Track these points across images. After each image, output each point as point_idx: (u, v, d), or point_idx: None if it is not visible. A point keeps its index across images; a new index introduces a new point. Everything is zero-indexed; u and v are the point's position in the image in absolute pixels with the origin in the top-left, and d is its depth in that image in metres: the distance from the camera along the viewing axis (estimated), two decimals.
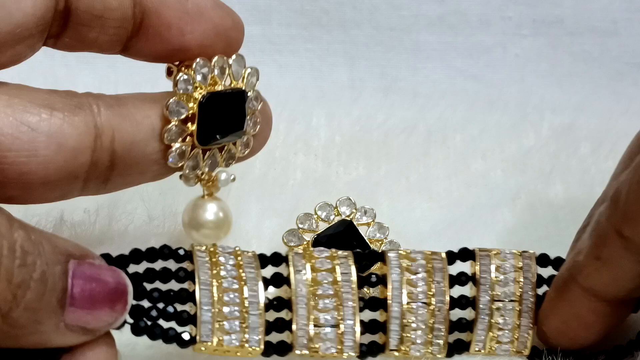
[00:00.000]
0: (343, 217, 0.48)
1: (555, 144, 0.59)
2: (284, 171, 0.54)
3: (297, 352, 0.39)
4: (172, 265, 0.39)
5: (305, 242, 0.48)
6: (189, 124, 0.41)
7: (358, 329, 0.40)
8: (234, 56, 0.42)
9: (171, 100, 0.40)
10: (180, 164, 0.42)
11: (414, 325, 0.41)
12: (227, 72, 0.42)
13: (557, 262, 0.43)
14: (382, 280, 0.41)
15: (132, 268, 0.39)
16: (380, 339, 0.41)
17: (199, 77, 0.41)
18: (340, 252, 0.40)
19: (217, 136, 0.42)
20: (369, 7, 0.61)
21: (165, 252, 0.39)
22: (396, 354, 0.41)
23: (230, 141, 0.43)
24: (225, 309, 0.39)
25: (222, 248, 0.39)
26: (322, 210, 0.48)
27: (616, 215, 0.39)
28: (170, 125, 0.40)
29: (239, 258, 0.39)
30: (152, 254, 0.39)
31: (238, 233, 0.50)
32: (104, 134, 0.39)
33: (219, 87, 0.42)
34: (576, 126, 0.60)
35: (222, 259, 0.39)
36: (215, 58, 0.41)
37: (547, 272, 0.43)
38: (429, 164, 0.57)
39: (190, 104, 0.41)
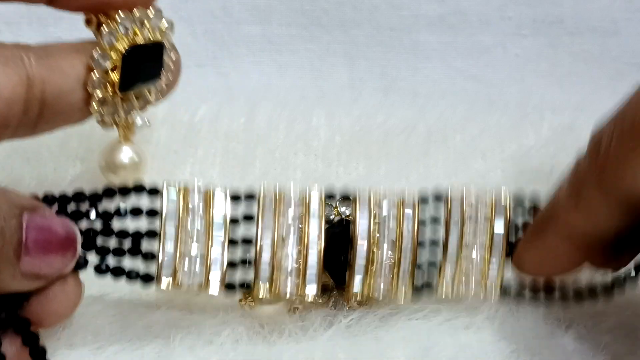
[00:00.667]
0: (343, 217, 0.48)
1: (555, 144, 0.59)
2: (284, 171, 0.55)
3: (261, 286, 0.43)
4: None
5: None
6: (111, 74, 0.43)
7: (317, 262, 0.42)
8: (152, 10, 0.45)
9: (96, 53, 0.42)
10: (99, 110, 0.43)
11: (378, 266, 0.41)
12: (146, 25, 0.44)
13: (533, 207, 0.45)
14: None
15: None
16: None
17: (122, 30, 0.43)
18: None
19: (137, 85, 0.44)
20: (369, 7, 0.61)
21: (136, 189, 0.43)
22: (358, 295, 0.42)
23: (147, 88, 0.45)
24: (188, 248, 0.42)
25: (194, 188, 0.43)
26: None
27: (596, 161, 0.41)
28: (94, 76, 0.42)
29: (209, 198, 0.43)
30: (123, 191, 0.43)
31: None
32: (35, 85, 0.40)
33: (139, 39, 0.44)
34: (576, 126, 0.60)
35: (191, 198, 0.43)
36: (137, 11, 0.44)
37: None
38: (429, 164, 0.57)
39: (114, 56, 0.43)
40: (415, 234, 0.43)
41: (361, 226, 0.44)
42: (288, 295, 0.43)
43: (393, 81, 0.63)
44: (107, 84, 0.43)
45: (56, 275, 0.41)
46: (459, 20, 0.61)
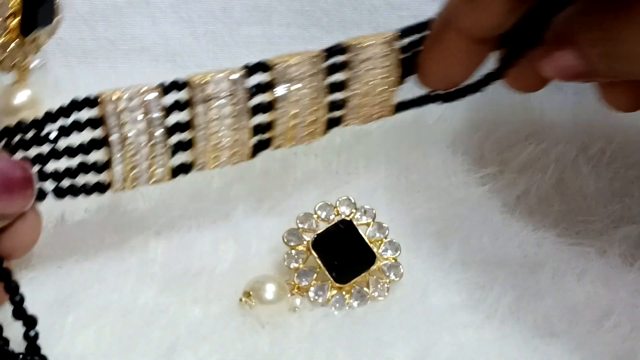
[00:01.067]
0: (343, 217, 0.49)
1: (554, 144, 0.59)
2: (284, 171, 0.55)
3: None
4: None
5: (305, 242, 0.48)
6: (10, 20, 0.46)
7: None
8: None
9: None
10: (2, 57, 0.47)
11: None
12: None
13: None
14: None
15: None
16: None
17: None
18: None
19: (37, 29, 0.48)
20: (369, 8, 0.61)
21: (73, 105, 0.43)
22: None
23: (43, 33, 0.48)
24: (133, 146, 0.43)
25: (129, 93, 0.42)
26: (322, 210, 0.49)
27: None
28: None
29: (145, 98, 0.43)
30: (64, 110, 0.43)
31: (238, 233, 0.50)
32: None
33: None
34: (575, 126, 0.60)
35: (129, 104, 0.43)
36: None
37: None
38: (428, 164, 0.57)
39: (13, 2, 0.46)
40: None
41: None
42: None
43: None
44: (8, 31, 0.45)
45: (19, 213, 0.42)
46: None
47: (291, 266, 0.48)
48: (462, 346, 0.45)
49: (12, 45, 0.47)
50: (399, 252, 0.48)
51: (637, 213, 0.54)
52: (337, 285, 0.47)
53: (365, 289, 0.48)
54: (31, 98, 0.51)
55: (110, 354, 0.43)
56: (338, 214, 0.49)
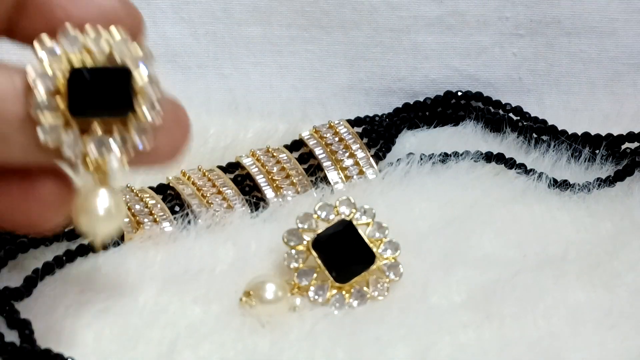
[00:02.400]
0: (343, 216, 0.49)
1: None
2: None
3: None
4: None
5: (305, 242, 0.48)
6: (59, 98, 0.37)
7: None
8: (116, 33, 0.39)
9: (34, 66, 0.37)
10: (52, 141, 0.37)
11: None
12: (104, 46, 0.38)
13: None
14: None
15: None
16: None
17: (67, 46, 0.38)
18: None
19: (91, 107, 0.38)
20: (369, 9, 0.61)
21: None
22: None
23: (111, 117, 0.38)
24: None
25: None
26: (322, 210, 0.49)
27: None
28: (36, 95, 0.37)
29: None
30: None
31: (237, 233, 0.50)
32: None
33: (93, 60, 0.38)
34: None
35: None
36: (88, 28, 0.38)
37: None
38: (428, 163, 0.57)
39: (60, 76, 0.37)
40: None
41: None
42: None
43: (392, 81, 0.63)
44: (56, 108, 0.37)
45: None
46: (457, 20, 0.61)
47: (291, 266, 0.48)
48: (462, 346, 0.45)
49: (69, 130, 0.38)
50: (398, 251, 0.48)
51: None
52: (337, 284, 0.47)
53: (365, 288, 0.48)
54: (110, 206, 0.40)
55: (110, 353, 0.43)
56: (338, 213, 0.49)
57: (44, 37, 0.38)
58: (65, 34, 0.38)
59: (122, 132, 0.38)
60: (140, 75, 0.39)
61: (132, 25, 0.40)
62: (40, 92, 0.37)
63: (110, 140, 0.38)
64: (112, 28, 0.39)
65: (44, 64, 0.37)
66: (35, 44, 0.38)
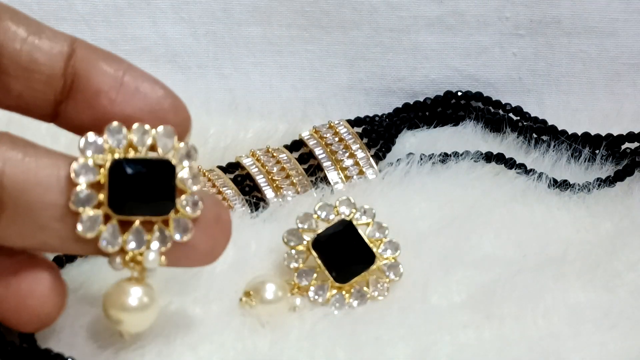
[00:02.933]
0: (343, 216, 0.49)
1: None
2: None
3: None
4: None
5: (305, 242, 0.48)
6: (100, 192, 0.38)
7: None
8: (161, 127, 0.39)
9: (77, 161, 0.38)
10: (91, 234, 0.38)
11: None
12: (148, 141, 0.39)
13: None
14: None
15: None
16: None
17: (112, 142, 0.38)
18: None
19: (133, 203, 0.38)
20: (369, 8, 0.61)
21: None
22: None
23: (154, 215, 0.39)
24: None
25: None
26: (322, 210, 0.49)
27: None
28: (77, 189, 0.37)
29: None
30: None
31: (236, 233, 0.50)
32: None
33: (136, 155, 0.39)
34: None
35: None
36: (135, 125, 0.39)
37: None
38: (428, 163, 0.57)
39: (102, 170, 0.38)
40: None
41: None
42: None
43: (392, 81, 0.63)
44: (97, 203, 0.38)
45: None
46: (457, 20, 0.61)
47: (291, 266, 0.48)
48: (461, 346, 0.45)
49: (109, 223, 0.38)
50: (398, 251, 0.48)
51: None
52: (337, 284, 0.47)
53: (365, 288, 0.48)
54: (142, 301, 0.40)
55: (109, 354, 0.43)
56: (338, 213, 0.49)
57: (90, 133, 0.38)
58: (110, 129, 0.38)
59: (162, 228, 0.39)
60: (184, 172, 0.39)
61: (178, 120, 0.40)
62: (82, 186, 0.37)
63: (150, 236, 0.39)
64: (158, 124, 0.39)
65: (86, 158, 0.38)
66: (80, 139, 0.38)
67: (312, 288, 0.47)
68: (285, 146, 0.57)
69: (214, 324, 0.45)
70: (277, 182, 0.54)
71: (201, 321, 0.45)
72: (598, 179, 0.56)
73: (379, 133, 0.58)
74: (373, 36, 0.62)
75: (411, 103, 0.62)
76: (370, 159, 0.56)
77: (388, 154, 0.57)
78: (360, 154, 0.56)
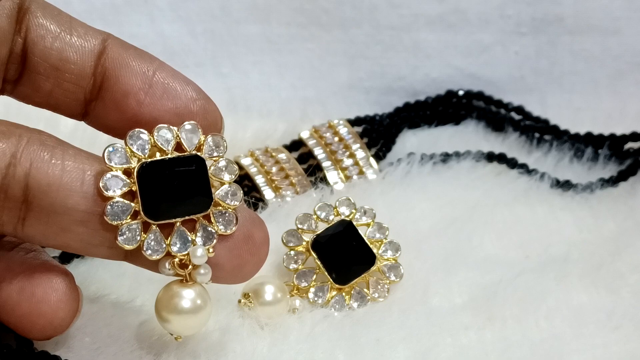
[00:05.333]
0: (342, 217, 0.48)
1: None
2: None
3: None
4: None
5: (304, 243, 0.48)
6: (134, 201, 0.37)
7: None
8: (187, 124, 0.39)
9: (106, 174, 0.37)
10: (132, 246, 0.37)
11: None
12: (172, 140, 0.38)
13: None
14: None
15: None
16: None
17: (135, 148, 0.38)
18: None
19: (167, 205, 0.37)
20: (369, 6, 0.61)
21: None
22: None
23: (194, 213, 0.38)
24: None
25: None
26: (322, 210, 0.48)
27: None
28: (111, 202, 0.37)
29: None
30: None
31: None
32: (19, 164, 0.36)
33: (163, 156, 0.38)
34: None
35: None
36: (157, 127, 0.38)
37: None
38: (429, 163, 0.57)
39: (131, 178, 0.37)
40: None
41: None
42: None
43: (393, 80, 0.63)
44: (133, 211, 0.37)
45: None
46: (458, 18, 0.61)
47: (290, 267, 0.47)
48: (463, 348, 0.45)
49: (150, 231, 0.37)
50: (399, 252, 0.48)
51: None
52: (337, 286, 0.47)
53: (365, 290, 0.47)
54: (195, 303, 0.39)
55: (107, 356, 0.43)
56: (338, 214, 0.49)
57: (111, 145, 0.38)
58: (131, 135, 0.38)
59: (205, 224, 0.38)
60: (217, 164, 0.38)
61: (208, 122, 0.40)
62: (115, 199, 0.37)
63: (194, 235, 0.38)
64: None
65: (113, 168, 0.37)
66: (104, 149, 0.37)
67: (311, 289, 0.47)
68: (285, 146, 0.56)
69: (212, 326, 0.45)
70: (276, 182, 0.54)
71: None
72: (601, 179, 0.56)
73: (379, 132, 0.57)
74: (373, 34, 0.62)
75: (412, 102, 0.62)
76: (371, 158, 0.56)
77: (388, 154, 0.57)
78: (360, 154, 0.56)
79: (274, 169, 0.54)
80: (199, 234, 0.38)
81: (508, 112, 0.61)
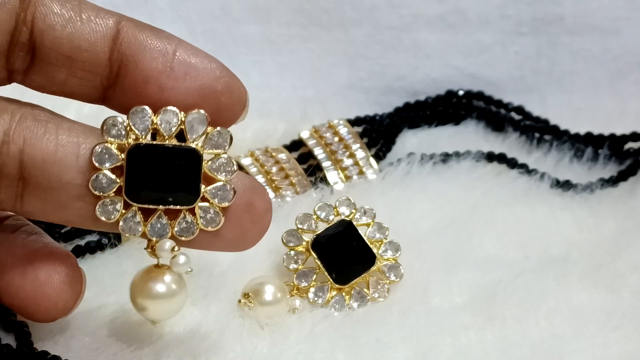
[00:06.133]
0: (342, 217, 0.48)
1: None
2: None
3: None
4: None
5: (304, 243, 0.48)
6: (121, 179, 0.37)
7: None
8: (194, 112, 0.37)
9: (99, 145, 0.37)
10: (110, 219, 0.37)
11: None
12: (174, 127, 0.37)
13: None
14: None
15: None
16: None
17: (136, 126, 0.37)
18: None
19: (149, 193, 0.37)
20: (369, 6, 0.61)
21: None
22: None
23: (175, 205, 0.37)
24: None
25: None
26: (322, 210, 0.48)
27: None
28: (97, 173, 0.37)
29: None
30: None
31: None
32: (12, 142, 0.36)
33: (164, 142, 0.37)
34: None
35: None
36: (163, 109, 0.37)
37: None
38: (429, 163, 0.57)
39: (122, 156, 0.37)
40: None
41: None
42: None
43: (393, 80, 0.63)
44: (117, 187, 0.37)
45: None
46: (458, 18, 0.61)
47: (290, 267, 0.47)
48: (463, 348, 0.44)
49: (129, 211, 0.37)
50: (399, 252, 0.48)
51: None
52: (337, 286, 0.47)
53: (365, 290, 0.47)
54: (170, 288, 0.39)
55: (106, 356, 0.42)
56: (338, 214, 0.48)
57: (111, 117, 0.37)
58: (134, 112, 0.37)
59: (187, 217, 0.38)
60: (214, 160, 0.37)
61: (233, 100, 0.38)
62: (102, 171, 0.36)
63: (174, 224, 0.38)
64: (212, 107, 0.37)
65: (108, 141, 0.37)
66: (103, 121, 0.37)
67: (311, 289, 0.47)
68: (285, 146, 0.56)
69: (213, 326, 0.45)
70: (276, 182, 0.54)
71: (199, 323, 0.45)
72: (601, 179, 0.56)
73: (379, 132, 0.57)
74: (373, 34, 0.62)
75: (412, 102, 0.62)
76: (371, 158, 0.56)
77: (388, 154, 0.57)
78: (360, 154, 0.56)
79: (274, 169, 0.54)
80: (178, 225, 0.38)
81: (508, 112, 0.61)
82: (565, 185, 0.56)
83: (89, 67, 0.38)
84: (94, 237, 0.49)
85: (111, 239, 0.49)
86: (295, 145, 0.57)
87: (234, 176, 0.38)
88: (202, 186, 0.38)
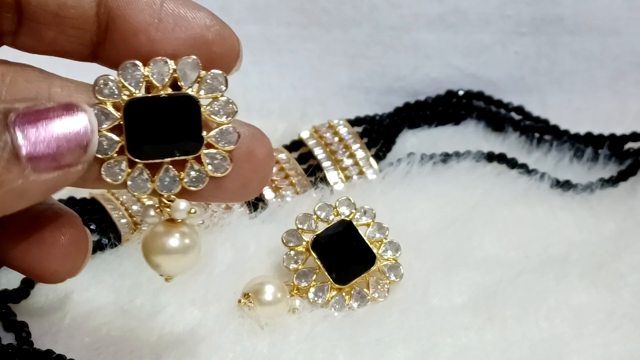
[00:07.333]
0: (342, 217, 0.48)
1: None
2: None
3: None
4: None
5: (304, 243, 0.48)
6: (121, 137, 0.36)
7: None
8: (185, 58, 0.36)
9: (93, 108, 0.35)
10: (117, 181, 0.36)
11: None
12: (167, 76, 0.36)
13: None
14: None
15: None
16: None
17: (129, 82, 0.36)
18: None
19: (152, 147, 0.36)
20: (369, 6, 0.61)
21: None
22: None
23: (180, 155, 0.36)
24: None
25: None
26: (322, 210, 0.48)
27: None
28: (98, 136, 0.35)
29: None
30: None
31: (235, 233, 0.50)
32: None
33: (158, 93, 0.36)
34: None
35: None
36: (152, 60, 0.36)
37: None
38: (429, 163, 0.57)
39: (119, 114, 0.36)
40: None
41: None
42: None
43: (393, 80, 0.63)
44: (119, 146, 0.36)
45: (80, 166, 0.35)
46: (458, 18, 0.61)
47: (290, 267, 0.47)
48: (463, 348, 0.45)
49: (135, 169, 0.36)
50: (399, 252, 0.48)
51: None
52: (337, 286, 0.47)
53: (365, 290, 0.47)
54: (183, 243, 0.37)
55: (106, 356, 0.43)
56: (338, 214, 0.48)
57: (102, 76, 0.36)
58: (124, 67, 0.36)
59: (195, 165, 0.37)
60: (213, 103, 0.36)
61: (225, 49, 0.37)
62: (102, 133, 0.35)
63: (183, 174, 0.37)
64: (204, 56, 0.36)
65: (103, 102, 0.36)
66: (94, 81, 0.36)
67: (311, 289, 0.47)
68: (285, 146, 0.56)
69: (212, 326, 0.45)
70: (276, 183, 0.54)
71: (199, 323, 0.45)
72: (601, 179, 0.56)
73: (379, 132, 0.57)
74: (373, 34, 0.62)
75: (412, 102, 0.61)
76: (371, 158, 0.56)
77: (388, 154, 0.57)
78: (360, 154, 0.56)
79: (274, 169, 0.54)
80: (187, 176, 0.37)
81: (508, 112, 0.61)
82: (565, 185, 0.56)
83: (77, 24, 0.37)
84: (94, 237, 0.50)
85: (111, 239, 0.49)
86: (295, 145, 0.57)
87: (236, 117, 0.37)
88: (204, 132, 0.37)
